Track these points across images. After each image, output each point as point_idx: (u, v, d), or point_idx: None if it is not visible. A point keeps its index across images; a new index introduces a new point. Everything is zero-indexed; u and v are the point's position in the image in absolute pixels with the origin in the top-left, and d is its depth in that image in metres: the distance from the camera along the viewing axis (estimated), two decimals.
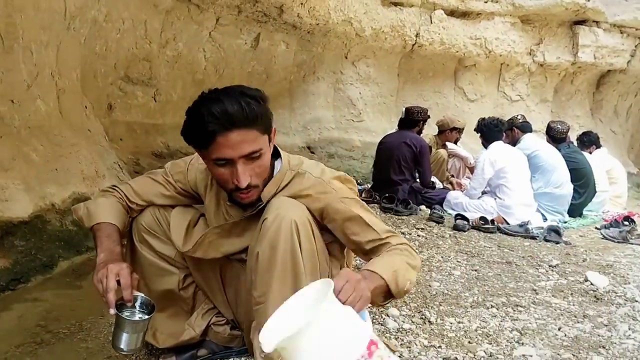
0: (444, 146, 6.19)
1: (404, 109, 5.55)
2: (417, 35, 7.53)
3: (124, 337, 1.37)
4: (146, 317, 1.40)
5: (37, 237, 2.68)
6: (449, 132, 6.13)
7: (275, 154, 1.61)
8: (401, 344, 2.05)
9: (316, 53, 6.94)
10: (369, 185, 5.62)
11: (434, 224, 4.45)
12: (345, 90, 7.44)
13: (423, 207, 5.01)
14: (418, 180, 5.31)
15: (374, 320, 2.27)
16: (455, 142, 6.28)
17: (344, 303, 1.19)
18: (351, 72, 7.45)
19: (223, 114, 1.33)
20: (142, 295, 1.44)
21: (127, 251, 1.73)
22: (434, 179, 5.57)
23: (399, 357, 1.93)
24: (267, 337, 1.14)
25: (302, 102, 7.14)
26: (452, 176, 6.12)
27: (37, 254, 2.61)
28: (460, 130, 6.22)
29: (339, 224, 1.55)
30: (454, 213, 4.78)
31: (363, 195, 5.21)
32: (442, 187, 5.62)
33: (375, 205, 5.00)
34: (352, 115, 7.49)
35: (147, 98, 5.12)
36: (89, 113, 3.85)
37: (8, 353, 1.85)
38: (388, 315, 2.32)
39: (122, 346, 1.38)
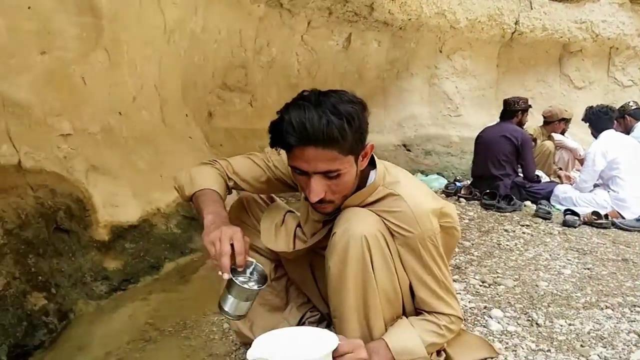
0: (550, 137, 5.83)
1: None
2: (516, 22, 7.17)
3: (232, 301, 1.33)
4: (261, 286, 1.35)
5: (145, 240, 2.84)
6: (556, 123, 5.77)
7: (373, 163, 1.53)
8: (505, 348, 1.94)
9: (409, 49, 6.82)
10: (469, 182, 5.42)
11: (541, 220, 4.19)
12: (440, 85, 7.24)
13: (528, 202, 4.74)
14: (521, 174, 5.03)
15: (476, 322, 2.17)
16: (562, 133, 5.90)
17: None
18: (446, 66, 7.23)
19: (302, 127, 1.26)
20: (255, 262, 1.39)
21: None
22: (539, 172, 5.25)
23: None
24: (256, 346, 1.25)
25: (396, 100, 7.04)
26: (560, 169, 5.74)
27: (145, 255, 2.77)
28: (567, 121, 5.85)
29: (406, 260, 1.47)
30: (562, 208, 4.47)
31: (462, 192, 5.03)
32: (548, 180, 5.28)
33: (476, 202, 4.80)
34: (449, 110, 7.27)
35: (244, 104, 5.28)
36: (189, 121, 4.03)
37: (120, 349, 1.97)
38: (490, 317, 2.21)
39: (227, 309, 1.35)
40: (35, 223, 2.22)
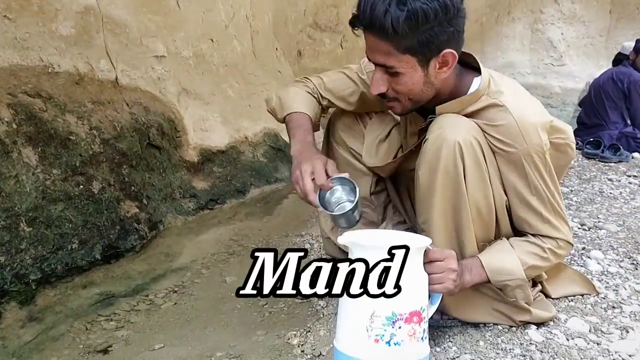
0: None
1: None
2: None
3: (341, 220, 1.32)
4: (350, 206, 1.28)
5: (232, 165, 2.89)
6: None
7: (479, 70, 1.35)
8: (606, 287, 1.79)
9: None
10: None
11: None
12: (544, 31, 6.77)
13: (637, 154, 4.33)
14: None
15: (572, 262, 2.02)
16: None
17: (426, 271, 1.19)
18: (552, 11, 6.74)
19: (363, 9, 1.16)
20: (345, 178, 1.30)
21: (324, 152, 1.72)
22: None
23: (603, 298, 1.69)
24: (347, 234, 1.20)
25: (495, 46, 6.67)
26: None
27: (232, 180, 2.82)
28: None
29: (508, 179, 1.33)
30: None
31: None
32: None
33: (578, 151, 4.47)
34: (552, 58, 6.81)
35: (334, 45, 5.19)
36: (279, 56, 4.01)
37: (205, 259, 2.04)
38: (589, 258, 2.04)
39: (342, 225, 1.33)
40: (129, 136, 2.29)
